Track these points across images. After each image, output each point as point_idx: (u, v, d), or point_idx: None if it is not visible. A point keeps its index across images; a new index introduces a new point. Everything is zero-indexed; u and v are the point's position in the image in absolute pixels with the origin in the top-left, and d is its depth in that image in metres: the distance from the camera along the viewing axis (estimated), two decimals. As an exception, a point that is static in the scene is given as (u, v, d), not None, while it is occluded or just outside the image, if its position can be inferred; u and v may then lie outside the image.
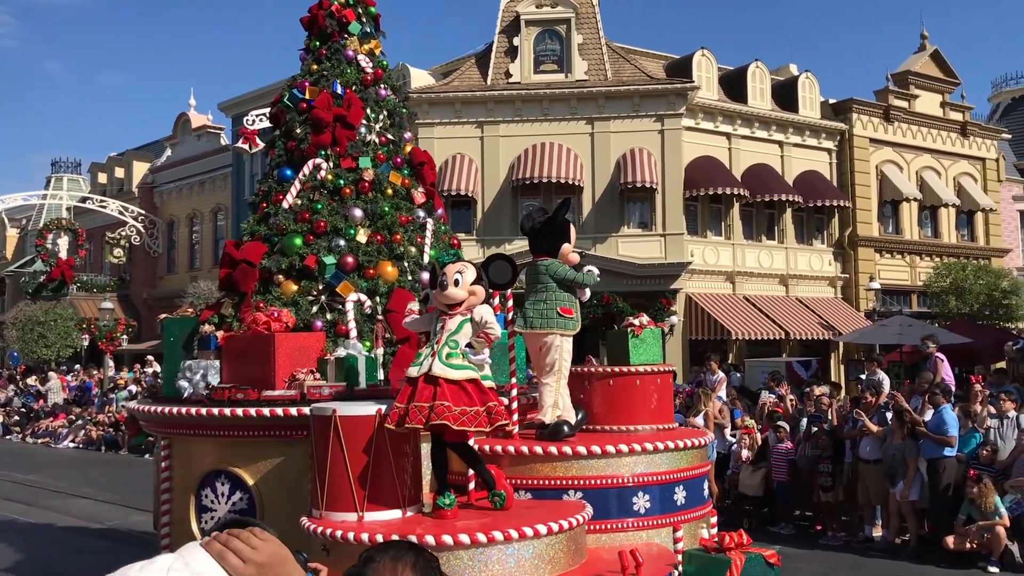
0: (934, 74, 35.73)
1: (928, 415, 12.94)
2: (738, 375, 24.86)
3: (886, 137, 33.95)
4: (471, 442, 6.71)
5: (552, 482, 7.09)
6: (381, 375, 7.64)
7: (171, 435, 7.84)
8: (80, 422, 28.29)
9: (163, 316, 8.93)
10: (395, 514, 6.46)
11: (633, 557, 6.78)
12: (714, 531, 7.88)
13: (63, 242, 42.03)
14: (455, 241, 8.90)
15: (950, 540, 11.54)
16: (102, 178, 48.17)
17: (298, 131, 8.40)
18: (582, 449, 7.05)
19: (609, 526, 7.05)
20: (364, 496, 6.39)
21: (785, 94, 33.43)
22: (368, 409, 6.48)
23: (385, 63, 9.00)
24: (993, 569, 11.22)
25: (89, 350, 37.73)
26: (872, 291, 31.66)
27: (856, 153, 33.17)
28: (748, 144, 32.18)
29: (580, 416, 7.64)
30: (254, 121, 34.28)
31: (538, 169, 29.25)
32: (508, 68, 31.23)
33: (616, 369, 8.05)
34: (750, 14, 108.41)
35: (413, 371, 6.29)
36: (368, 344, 7.64)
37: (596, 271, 7.51)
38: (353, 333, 7.68)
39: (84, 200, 43.89)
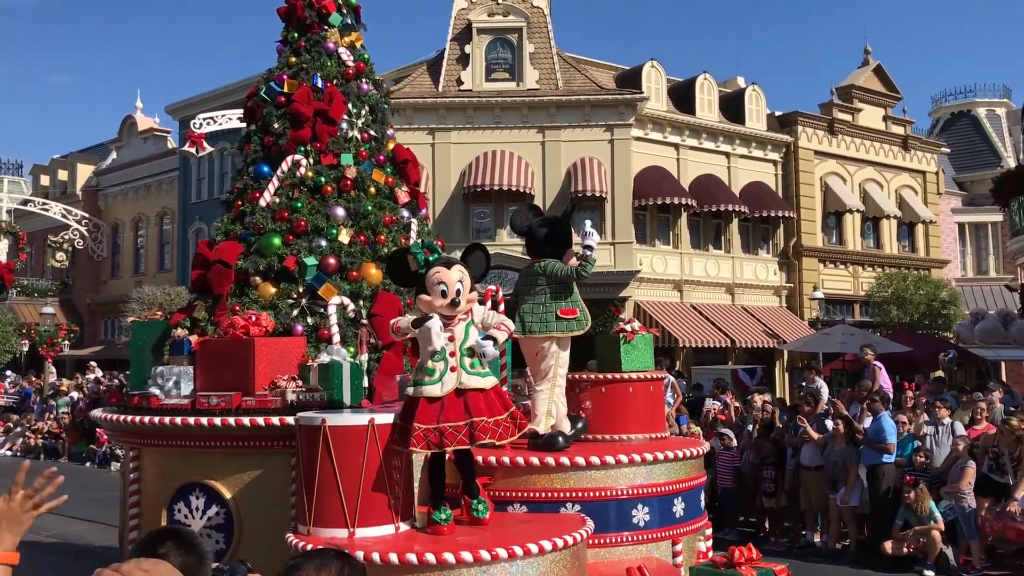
0: (877, 89, 36.03)
1: (867, 422, 12.98)
2: (683, 382, 24.69)
3: (830, 150, 34.14)
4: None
5: (549, 494, 6.66)
6: (366, 382, 7.15)
7: (141, 445, 7.27)
8: (18, 429, 27.18)
9: (130, 319, 8.36)
10: (388, 530, 6.00)
11: (641, 574, 6.41)
12: (710, 543, 7.52)
13: (3, 245, 40.61)
14: (439, 243, 8.41)
15: (888, 545, 11.56)
16: (45, 180, 46.72)
17: (276, 126, 7.86)
18: (580, 460, 6.64)
19: (608, 540, 6.63)
20: (355, 511, 5.92)
21: (732, 106, 33.46)
22: (360, 419, 6.01)
23: (367, 56, 8.50)
24: (928, 573, 11.25)
25: (29, 356, 36.42)
26: (816, 300, 31.75)
27: (801, 165, 33.30)
28: (696, 155, 32.14)
29: (579, 426, 7.24)
30: (202, 124, 33.53)
31: (489, 177, 28.89)
32: (460, 75, 30.83)
33: (608, 376, 7.65)
34: (699, 27, 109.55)
35: (435, 389, 5.82)
36: (352, 350, 7.15)
37: (593, 254, 7.00)
38: (336, 338, 7.18)
39: (26, 203, 42.47)
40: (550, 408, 7.13)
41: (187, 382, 7.18)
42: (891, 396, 17.06)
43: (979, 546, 11.61)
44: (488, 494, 6.61)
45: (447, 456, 6.13)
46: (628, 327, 7.90)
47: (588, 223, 7.14)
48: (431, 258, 6.01)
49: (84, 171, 43.94)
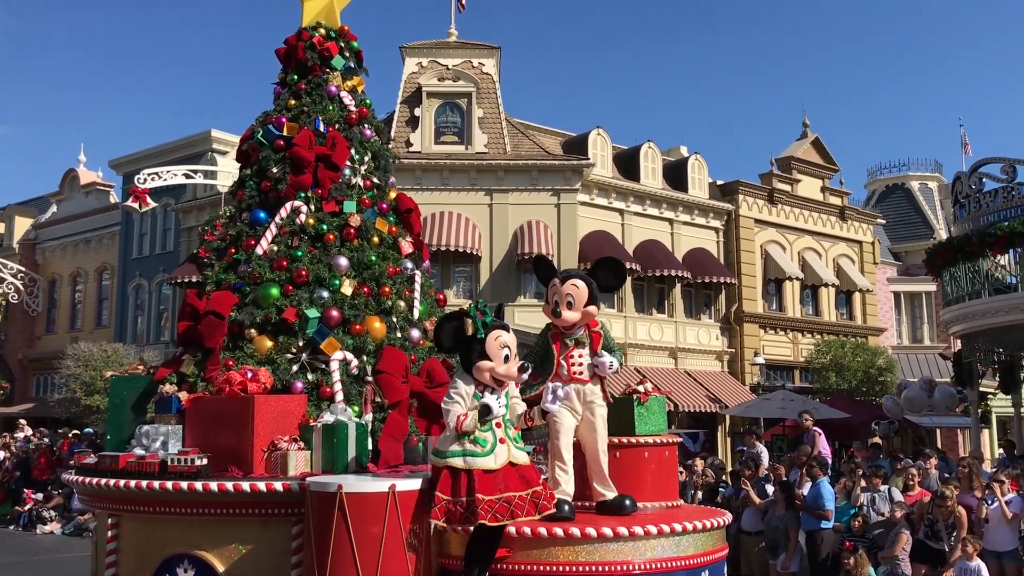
0: (815, 160, 36.49)
1: (806, 488, 12.83)
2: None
3: (770, 218, 34.35)
4: None
5: (573, 569, 6.04)
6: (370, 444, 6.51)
7: (120, 512, 6.50)
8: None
9: (110, 374, 7.61)
10: (412, 611, 5.35)
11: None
12: (732, 621, 6.95)
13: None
14: (441, 297, 7.87)
15: None
16: (-20, 233, 45.06)
17: (274, 170, 7.26)
18: (608, 531, 6.03)
19: (638, 620, 6.05)
20: (374, 586, 5.27)
21: (676, 174, 33.56)
22: (379, 485, 5.39)
23: (368, 102, 7.96)
24: None
25: (-44, 412, 34.65)
26: (757, 366, 31.67)
27: (742, 232, 33.42)
28: (640, 221, 32.06)
29: (628, 503, 6.62)
30: (146, 180, 32.49)
31: (437, 237, 28.42)
32: (409, 137, 30.44)
33: (622, 440, 7.09)
34: (644, 96, 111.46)
35: (490, 462, 5.37)
36: (357, 409, 6.52)
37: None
38: (339, 396, 6.55)
39: (-42, 255, 40.82)
40: (552, 475, 6.56)
41: (175, 442, 6.46)
42: (829, 462, 17.01)
43: None
44: (506, 568, 6.03)
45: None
46: (641, 388, 7.39)
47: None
48: (487, 320, 5.53)
49: (22, 224, 42.36)
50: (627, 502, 6.67)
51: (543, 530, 6.02)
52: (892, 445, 26.85)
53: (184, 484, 6.01)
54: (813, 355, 33.38)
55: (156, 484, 6.08)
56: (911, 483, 14.01)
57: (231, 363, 6.68)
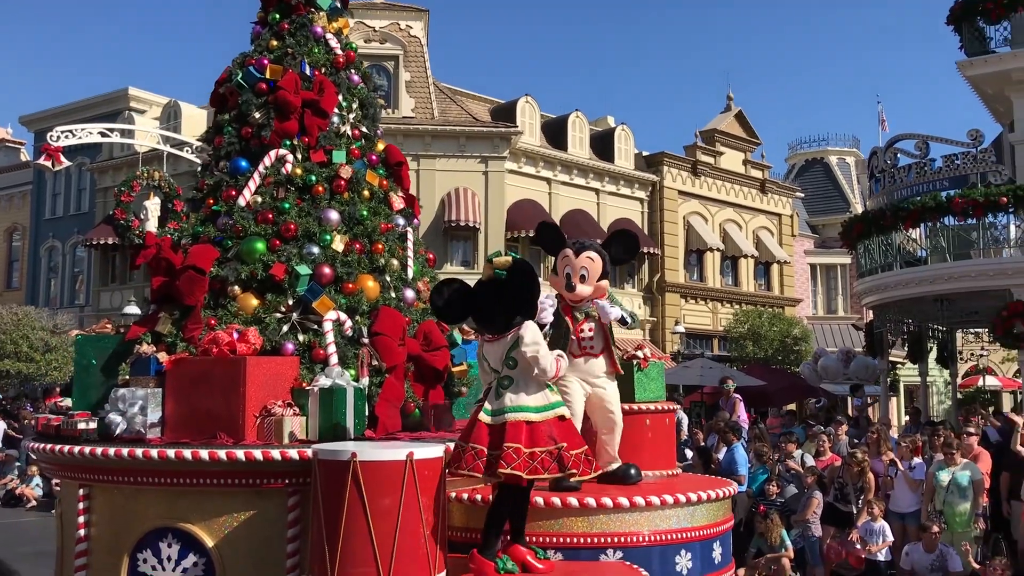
0: (738, 134, 36.68)
1: (722, 453, 13.04)
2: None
3: (693, 190, 34.44)
4: None
5: (588, 540, 5.65)
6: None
7: (93, 483, 5.87)
8: None
9: (75, 333, 6.92)
10: (430, 585, 4.91)
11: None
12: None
13: None
14: (431, 256, 7.36)
15: (741, 572, 11.24)
16: None
17: (256, 115, 6.63)
18: (624, 500, 5.67)
19: (652, 592, 5.71)
20: (390, 563, 4.80)
21: (602, 144, 33.36)
22: (396, 453, 4.90)
23: (355, 46, 7.34)
24: None
25: None
26: (677, 334, 31.77)
27: (666, 204, 33.45)
28: (567, 190, 31.80)
29: (633, 472, 6.28)
30: (59, 137, 30.99)
31: (364, 202, 27.72)
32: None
33: (623, 407, 6.71)
34: (572, 65, 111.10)
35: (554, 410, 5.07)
36: (353, 372, 6.00)
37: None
38: (334, 359, 6.02)
39: None
40: None
41: (155, 407, 5.86)
42: (745, 428, 17.16)
43: (823, 572, 11.77)
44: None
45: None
46: (640, 353, 7.03)
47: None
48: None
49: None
50: (632, 471, 6.33)
51: (557, 500, 5.64)
52: (805, 411, 27.26)
53: (171, 452, 5.43)
54: (732, 324, 33.69)
55: (139, 452, 5.49)
56: (823, 448, 14.39)
57: (213, 322, 6.09)
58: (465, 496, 5.85)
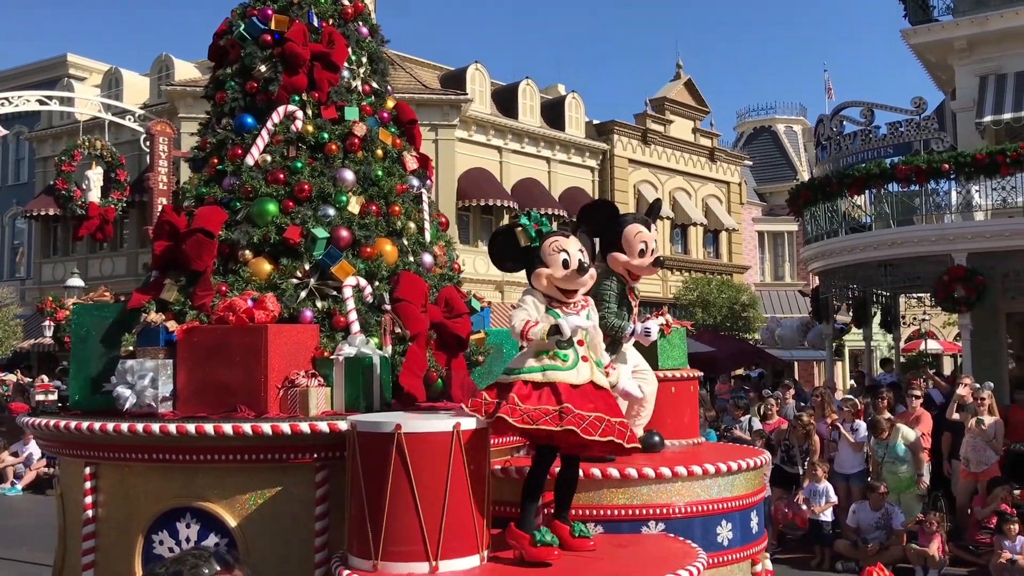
0: (687, 102, 36.59)
1: None
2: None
3: (643, 158, 34.32)
4: None
5: (629, 512, 5.38)
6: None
7: (100, 460, 5.43)
8: None
9: (72, 301, 6.43)
10: (473, 561, 4.60)
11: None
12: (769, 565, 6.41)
13: None
14: (444, 220, 6.98)
15: None
16: None
17: (262, 69, 6.17)
18: (666, 470, 5.41)
19: (695, 564, 5.45)
20: (438, 539, 4.48)
21: (553, 112, 33.05)
22: (442, 424, 4.57)
23: (363, -2, 6.89)
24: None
25: None
26: (630, 301, 31.67)
27: (616, 172, 33.29)
28: (518, 159, 31.44)
29: (657, 439, 6.03)
30: (2, 104, 29.48)
31: (314, 171, 27.04)
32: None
33: (650, 375, 6.42)
34: (522, 32, 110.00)
35: (572, 376, 4.53)
36: (376, 340, 5.63)
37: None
38: (356, 327, 5.64)
39: None
40: None
41: (165, 379, 5.42)
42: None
43: (771, 532, 11.78)
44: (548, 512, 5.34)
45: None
46: (662, 319, 6.74)
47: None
48: (544, 229, 4.76)
49: None
50: (656, 439, 6.09)
51: (597, 471, 5.35)
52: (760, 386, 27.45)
53: (191, 427, 5.02)
54: (681, 292, 33.76)
55: (156, 427, 5.06)
56: (770, 412, 14.78)
57: (224, 289, 5.66)
58: (498, 467, 5.54)
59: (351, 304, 5.64)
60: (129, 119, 29.61)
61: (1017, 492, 12.39)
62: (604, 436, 4.44)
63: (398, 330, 5.68)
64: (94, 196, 27.95)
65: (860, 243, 19.77)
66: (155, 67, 32.19)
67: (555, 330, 4.56)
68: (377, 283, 5.83)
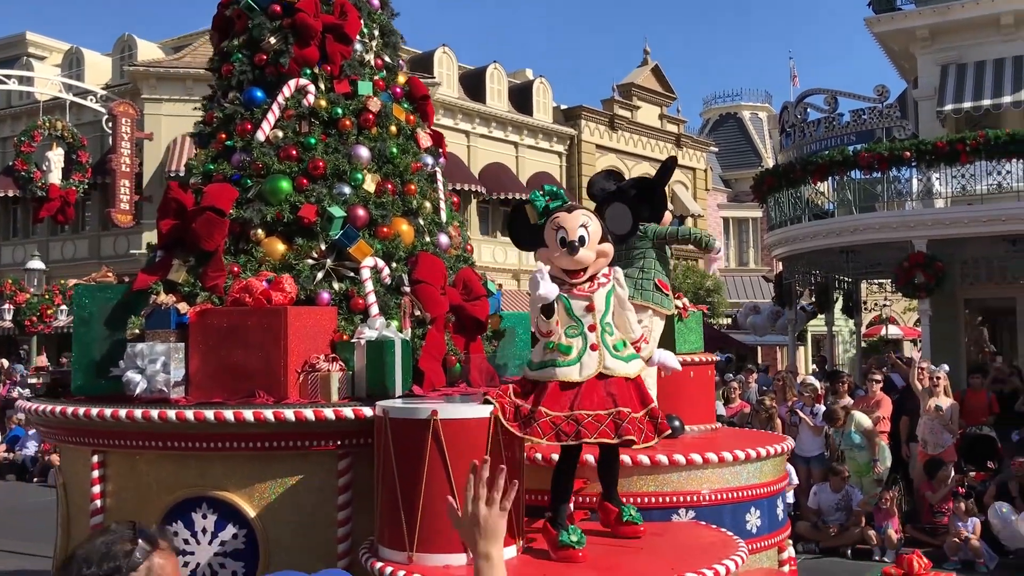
0: (654, 88, 36.47)
1: None
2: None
3: (610, 144, 34.17)
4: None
5: (659, 499, 5.22)
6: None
7: (109, 448, 5.14)
8: None
9: (73, 282, 6.10)
10: (510, 552, 4.39)
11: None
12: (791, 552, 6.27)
13: None
14: (456, 199, 6.74)
15: None
16: None
17: (272, 41, 5.86)
18: (696, 457, 5.24)
19: (724, 551, 5.30)
20: (476, 530, 4.25)
21: (521, 97, 32.76)
22: (479, 410, 4.35)
23: (371, -33, 6.58)
24: None
25: None
26: (594, 287, 31.59)
27: (584, 158, 33.12)
28: (486, 143, 31.15)
29: (676, 424, 5.85)
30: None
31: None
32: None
33: (665, 358, 6.24)
34: (490, 16, 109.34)
35: (573, 372, 4.22)
36: (397, 323, 5.38)
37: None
38: (375, 309, 5.39)
39: None
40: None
41: (178, 364, 5.14)
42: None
43: None
44: (582, 500, 5.16)
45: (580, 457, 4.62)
46: (679, 303, 6.58)
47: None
48: (553, 205, 4.47)
49: None
50: (676, 423, 5.92)
51: (627, 458, 5.16)
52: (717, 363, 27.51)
53: (210, 414, 4.75)
54: (647, 277, 33.66)
55: (171, 414, 4.78)
56: (733, 396, 14.94)
57: (237, 269, 5.38)
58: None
59: (370, 286, 5.39)
60: (91, 100, 28.87)
61: (972, 474, 12.67)
62: (624, 435, 4.23)
63: (417, 313, 5.44)
64: (55, 178, 27.24)
65: (823, 229, 19.80)
66: (117, 47, 31.39)
67: (537, 300, 4.31)
68: (395, 264, 5.58)
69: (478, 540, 2.59)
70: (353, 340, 5.16)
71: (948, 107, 19.60)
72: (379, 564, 4.26)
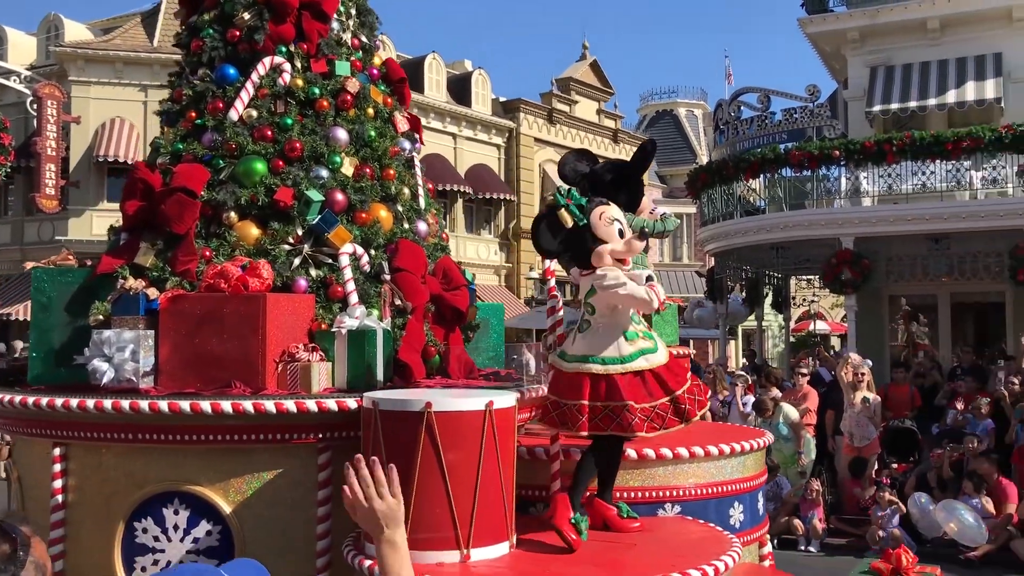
0: (592, 83, 36.48)
1: None
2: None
3: (549, 137, 34.11)
4: None
5: (646, 494, 5.10)
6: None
7: (72, 440, 4.82)
8: None
9: (31, 265, 5.74)
10: (503, 548, 4.25)
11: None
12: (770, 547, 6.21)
13: None
14: (431, 187, 6.52)
15: None
16: None
17: (246, 16, 5.57)
18: (683, 451, 5.13)
19: (707, 546, 5.20)
20: (470, 524, 4.11)
21: (459, 88, 32.51)
22: (474, 403, 4.19)
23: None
24: None
25: None
26: (531, 280, 31.57)
27: (522, 151, 33.02)
28: (424, 134, 30.74)
29: None
30: None
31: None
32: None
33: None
34: (429, 5, 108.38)
35: (662, 355, 4.41)
36: (377, 312, 5.17)
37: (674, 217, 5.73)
38: (354, 298, 5.16)
39: None
40: None
41: (147, 352, 4.85)
42: None
43: None
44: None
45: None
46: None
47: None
48: (581, 203, 4.39)
49: None
50: None
51: (614, 452, 5.03)
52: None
53: (185, 405, 4.47)
54: (582, 271, 33.74)
55: (144, 405, 4.49)
56: None
57: (208, 254, 5.10)
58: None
59: (349, 273, 5.16)
60: (14, 80, 27.80)
61: (895, 466, 13.12)
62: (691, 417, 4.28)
63: (398, 302, 5.23)
64: (-24, 160, 26.22)
65: (754, 226, 20.03)
66: (43, 27, 30.25)
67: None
68: (374, 251, 5.35)
69: (383, 529, 2.64)
70: (333, 329, 4.92)
71: (876, 108, 19.96)
72: (367, 562, 4.06)
